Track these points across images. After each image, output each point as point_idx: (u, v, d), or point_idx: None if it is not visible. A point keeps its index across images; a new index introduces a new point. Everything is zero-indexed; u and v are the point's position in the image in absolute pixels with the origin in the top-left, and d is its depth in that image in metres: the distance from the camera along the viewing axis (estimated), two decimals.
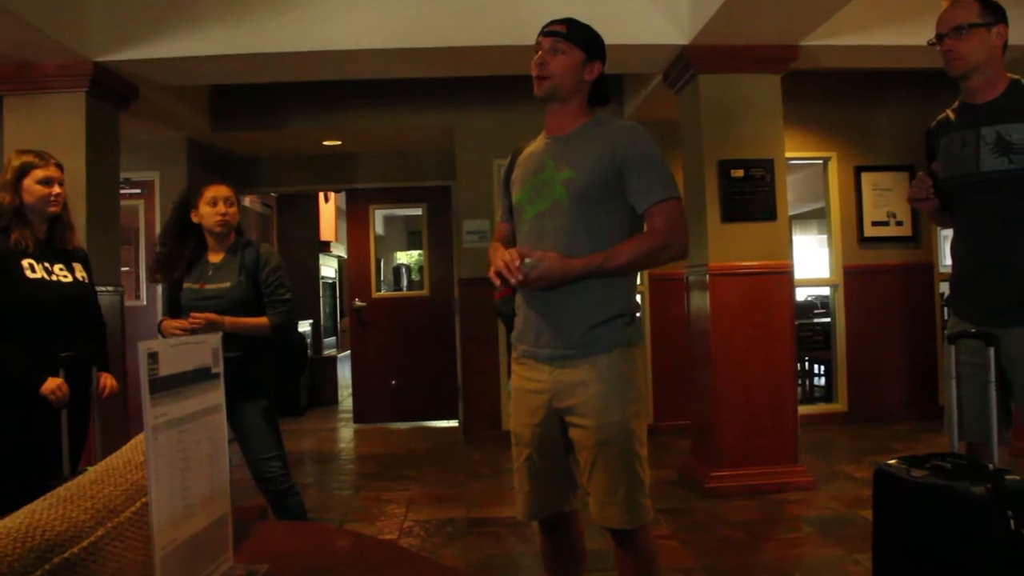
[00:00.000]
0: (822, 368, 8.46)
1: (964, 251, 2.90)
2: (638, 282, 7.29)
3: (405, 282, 11.27)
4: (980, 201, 2.74)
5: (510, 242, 2.68)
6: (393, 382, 8.64)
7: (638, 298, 7.32)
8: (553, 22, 2.53)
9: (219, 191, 3.65)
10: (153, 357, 0.99)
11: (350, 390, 9.23)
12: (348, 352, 9.48)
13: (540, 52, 2.50)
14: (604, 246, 2.42)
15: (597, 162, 2.44)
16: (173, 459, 1.02)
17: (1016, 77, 2.78)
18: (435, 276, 8.77)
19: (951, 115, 2.91)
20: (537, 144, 2.64)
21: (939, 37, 2.79)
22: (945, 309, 3.01)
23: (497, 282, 2.44)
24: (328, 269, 11.59)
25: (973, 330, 2.78)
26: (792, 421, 5.33)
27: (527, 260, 2.35)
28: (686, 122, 5.62)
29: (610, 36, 2.67)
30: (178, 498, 1.02)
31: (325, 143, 7.91)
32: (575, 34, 2.51)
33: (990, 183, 2.69)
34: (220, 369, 1.19)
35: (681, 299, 5.85)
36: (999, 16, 2.76)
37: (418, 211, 9.11)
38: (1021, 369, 2.72)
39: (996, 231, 2.73)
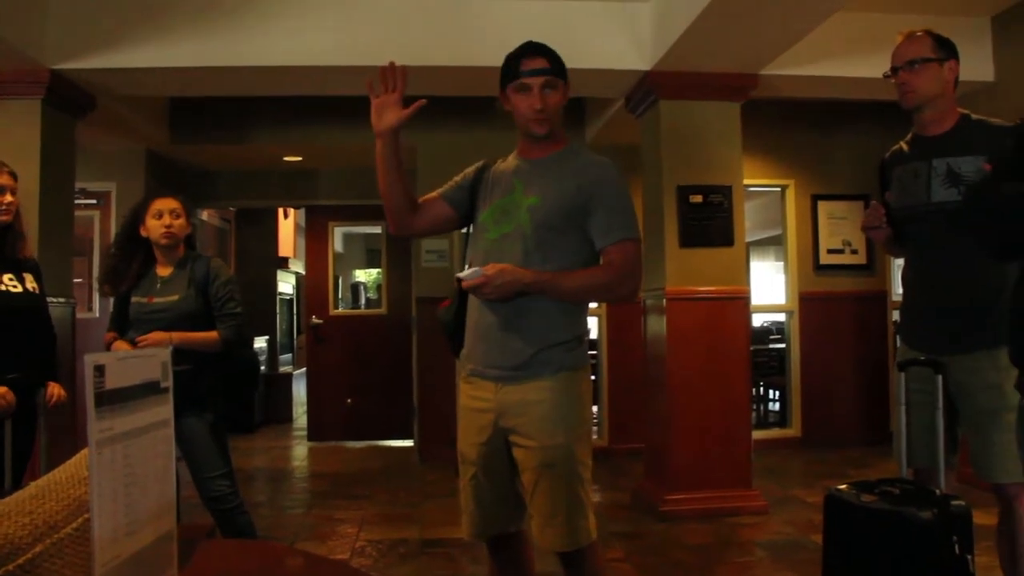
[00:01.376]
0: (776, 393, 8.54)
1: (914, 280, 2.96)
2: (595, 304, 7.37)
3: (363, 300, 11.21)
4: (930, 231, 2.81)
5: (429, 210, 2.67)
6: (349, 400, 8.58)
7: (592, 321, 7.41)
8: (534, 57, 2.50)
9: (165, 204, 3.60)
10: (100, 370, 0.97)
11: (305, 408, 9.15)
12: (304, 369, 9.39)
13: (534, 92, 2.47)
14: (562, 264, 2.44)
15: (563, 193, 2.46)
16: (117, 474, 1.00)
17: (966, 112, 2.86)
18: (393, 295, 8.75)
19: (904, 147, 2.98)
20: (509, 164, 2.64)
21: (894, 70, 2.87)
22: (897, 337, 3.08)
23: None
24: (286, 285, 11.48)
25: (922, 358, 2.82)
26: (746, 445, 5.36)
27: (474, 269, 2.36)
28: (646, 147, 5.67)
29: (573, 60, 2.69)
30: (121, 514, 1.00)
31: (286, 159, 7.87)
32: (556, 67, 2.50)
33: (940, 213, 2.75)
34: (169, 383, 1.17)
35: (638, 322, 5.87)
36: (951, 52, 2.85)
37: (378, 229, 9.09)
38: (967, 396, 2.77)
39: (945, 260, 2.78)
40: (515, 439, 2.46)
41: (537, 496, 2.43)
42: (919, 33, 2.86)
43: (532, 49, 2.52)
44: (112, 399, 0.99)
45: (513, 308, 2.42)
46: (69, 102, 5.17)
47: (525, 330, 2.43)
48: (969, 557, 2.49)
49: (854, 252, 7.54)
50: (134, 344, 3.42)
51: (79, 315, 5.62)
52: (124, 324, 3.63)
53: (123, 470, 1.01)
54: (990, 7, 5.54)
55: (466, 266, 2.58)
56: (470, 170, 2.72)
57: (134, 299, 3.59)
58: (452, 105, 6.34)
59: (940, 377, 2.76)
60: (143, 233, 3.61)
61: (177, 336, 3.41)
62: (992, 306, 2.70)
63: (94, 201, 6.93)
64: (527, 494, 2.47)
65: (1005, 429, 2.51)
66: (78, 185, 5.64)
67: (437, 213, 2.69)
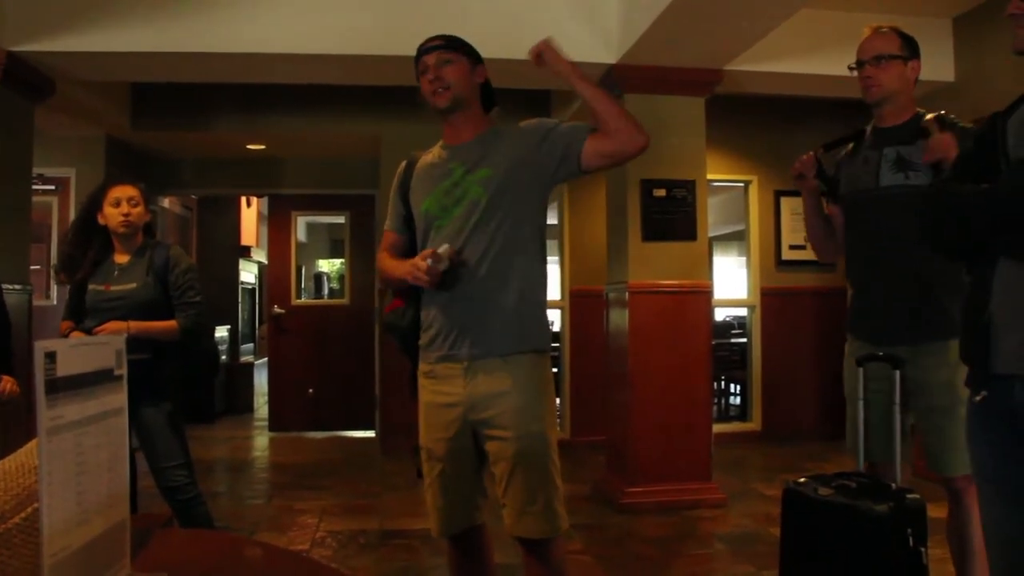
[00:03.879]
0: (737, 387, 8.61)
1: (865, 271, 2.97)
2: (558, 297, 7.40)
3: (326, 290, 11.15)
4: (879, 217, 2.83)
5: (401, 252, 2.69)
6: (310, 391, 8.53)
7: (555, 313, 7.44)
8: (428, 40, 2.61)
9: (123, 191, 3.55)
10: (51, 357, 0.95)
11: (266, 398, 9.09)
12: (265, 359, 9.33)
13: (430, 69, 2.55)
14: (524, 234, 2.50)
15: (515, 157, 2.51)
16: (68, 463, 0.98)
17: (922, 110, 2.90)
18: (356, 285, 8.71)
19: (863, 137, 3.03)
20: (436, 154, 2.67)
21: (859, 63, 2.90)
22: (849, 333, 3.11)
23: (425, 279, 2.40)
24: (248, 274, 11.37)
25: (881, 353, 2.84)
26: (706, 439, 5.40)
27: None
28: None
29: None
30: (72, 504, 0.98)
31: (249, 147, 7.80)
32: (454, 43, 2.59)
33: (888, 198, 2.77)
34: (123, 371, 1.16)
35: (600, 315, 5.89)
36: (915, 52, 2.89)
37: (341, 219, 9.05)
38: (921, 392, 2.80)
39: (894, 249, 2.80)
40: (489, 431, 2.47)
41: (513, 486, 2.43)
42: (886, 29, 2.90)
43: (431, 37, 2.63)
44: (64, 387, 0.97)
45: (486, 284, 2.45)
46: (27, 85, 5.07)
47: (497, 308, 2.45)
48: (923, 549, 2.53)
49: None
50: (90, 334, 3.37)
51: (36, 302, 5.53)
52: (80, 313, 3.58)
53: (74, 459, 0.99)
54: (952, 8, 5.62)
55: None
56: (396, 180, 2.75)
57: (91, 287, 3.54)
58: (414, 94, 6.30)
59: (898, 372, 2.78)
60: (101, 221, 3.56)
61: (135, 325, 3.36)
62: (940, 295, 2.73)
63: (52, 187, 6.81)
64: (500, 485, 2.47)
65: (958, 423, 2.54)
66: (36, 170, 5.56)
67: (404, 250, 2.71)
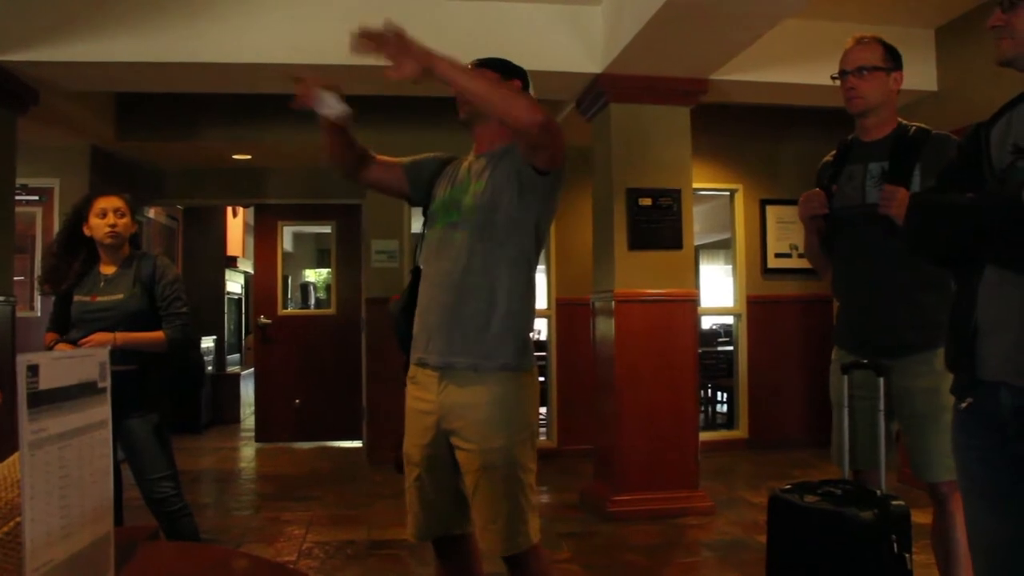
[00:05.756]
0: (724, 395, 8.63)
1: (847, 284, 2.99)
2: (545, 306, 7.40)
3: (312, 300, 11.13)
4: (866, 232, 2.83)
5: (386, 169, 2.79)
6: (297, 401, 8.50)
7: (542, 322, 7.44)
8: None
9: (109, 202, 3.53)
10: (33, 370, 0.95)
11: (253, 408, 9.05)
12: (252, 369, 9.29)
13: None
14: (509, 250, 2.47)
15: (507, 174, 2.49)
16: (52, 477, 0.98)
17: (904, 121, 2.91)
18: (342, 295, 8.69)
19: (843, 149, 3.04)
20: (466, 160, 2.69)
21: (842, 73, 2.90)
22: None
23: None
24: (234, 285, 11.34)
25: (864, 360, 2.86)
26: (694, 447, 5.41)
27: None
28: (597, 150, 5.69)
29: (525, 62, 2.72)
30: (55, 517, 0.98)
31: (235, 157, 7.77)
32: (486, 62, 2.61)
33: (873, 215, 2.77)
34: (107, 384, 1.15)
35: (587, 324, 5.90)
36: (898, 63, 2.90)
37: (327, 229, 9.04)
38: (905, 399, 2.81)
39: (882, 263, 2.81)
40: (456, 442, 2.46)
41: (477, 499, 2.44)
42: (868, 39, 2.90)
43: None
44: (47, 399, 0.97)
45: (461, 293, 2.44)
46: (10, 96, 5.05)
47: (471, 315, 2.44)
48: (907, 555, 2.54)
49: (801, 256, 7.59)
50: (76, 345, 3.35)
51: (19, 314, 5.50)
52: (64, 324, 3.56)
53: (58, 472, 0.99)
54: (934, 19, 5.66)
55: (417, 254, 2.62)
56: (440, 156, 2.78)
57: (76, 298, 3.52)
58: (407, 106, 6.32)
59: (882, 380, 2.80)
60: (86, 232, 3.54)
61: (121, 336, 3.35)
62: (925, 308, 2.75)
63: (36, 198, 6.78)
64: (469, 496, 2.48)
65: (943, 430, 2.54)
66: (19, 181, 5.52)
67: (390, 178, 2.79)
